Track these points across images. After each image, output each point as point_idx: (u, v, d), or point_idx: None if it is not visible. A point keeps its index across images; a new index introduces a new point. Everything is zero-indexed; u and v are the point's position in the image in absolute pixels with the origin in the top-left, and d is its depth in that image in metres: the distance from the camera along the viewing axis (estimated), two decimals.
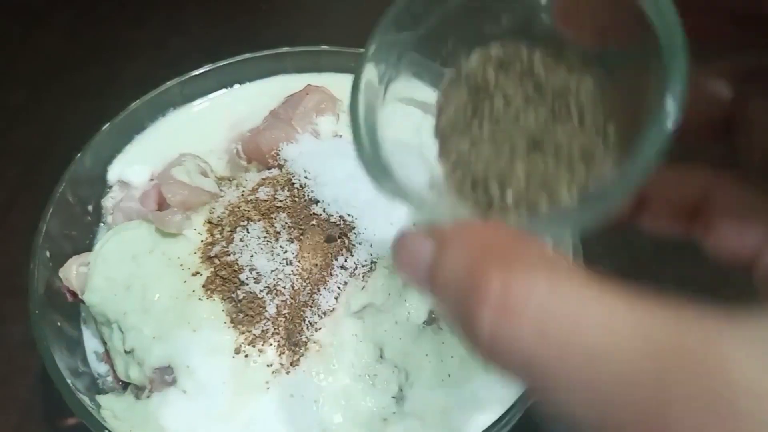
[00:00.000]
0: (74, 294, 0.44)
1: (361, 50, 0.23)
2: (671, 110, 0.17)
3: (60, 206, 0.46)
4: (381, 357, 0.41)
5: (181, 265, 0.43)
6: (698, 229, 0.22)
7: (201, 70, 0.54)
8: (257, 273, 0.42)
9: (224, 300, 0.42)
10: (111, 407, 0.41)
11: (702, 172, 0.22)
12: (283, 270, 0.42)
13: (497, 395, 0.41)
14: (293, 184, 0.45)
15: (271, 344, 0.41)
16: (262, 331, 0.41)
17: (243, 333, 0.41)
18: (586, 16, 0.21)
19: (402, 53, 0.24)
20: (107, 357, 0.44)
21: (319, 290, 0.41)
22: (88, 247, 0.48)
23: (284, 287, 0.42)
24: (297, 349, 0.41)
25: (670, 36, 0.18)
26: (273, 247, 0.42)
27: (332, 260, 0.42)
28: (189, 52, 0.57)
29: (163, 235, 0.44)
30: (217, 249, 0.43)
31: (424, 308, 0.42)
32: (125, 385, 0.43)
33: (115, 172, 0.51)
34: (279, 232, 0.43)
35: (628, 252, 0.51)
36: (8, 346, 0.52)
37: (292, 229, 0.43)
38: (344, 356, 0.40)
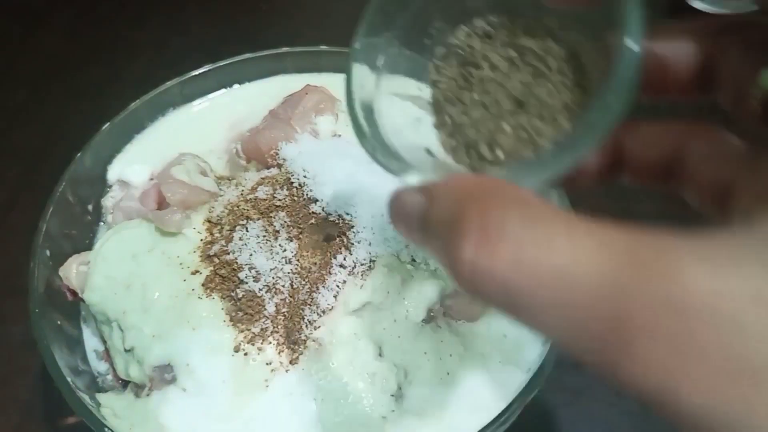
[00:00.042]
0: (74, 293, 0.44)
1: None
2: (627, 50, 0.19)
3: (60, 205, 0.46)
4: (380, 355, 0.41)
5: (181, 264, 0.43)
6: (677, 179, 0.24)
7: (201, 70, 0.55)
8: (256, 272, 0.42)
9: (223, 299, 0.42)
10: (111, 405, 0.41)
11: (676, 127, 0.24)
12: (282, 269, 0.42)
13: (496, 393, 0.41)
14: (292, 183, 0.45)
15: (270, 342, 0.41)
16: (262, 329, 0.41)
17: (242, 331, 0.41)
18: None
19: (391, 40, 0.25)
20: (107, 355, 0.44)
21: (318, 289, 0.42)
22: (88, 247, 0.48)
23: (283, 286, 0.42)
24: (296, 347, 0.41)
25: None
26: (272, 246, 0.43)
27: (331, 259, 0.42)
28: (189, 53, 0.57)
29: (163, 234, 0.44)
30: (216, 248, 0.43)
31: (423, 306, 0.42)
32: (125, 384, 0.43)
33: (115, 171, 0.51)
34: (278, 231, 0.43)
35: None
36: (8, 346, 0.52)
37: (291, 228, 0.43)
38: (343, 354, 0.41)
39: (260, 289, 0.42)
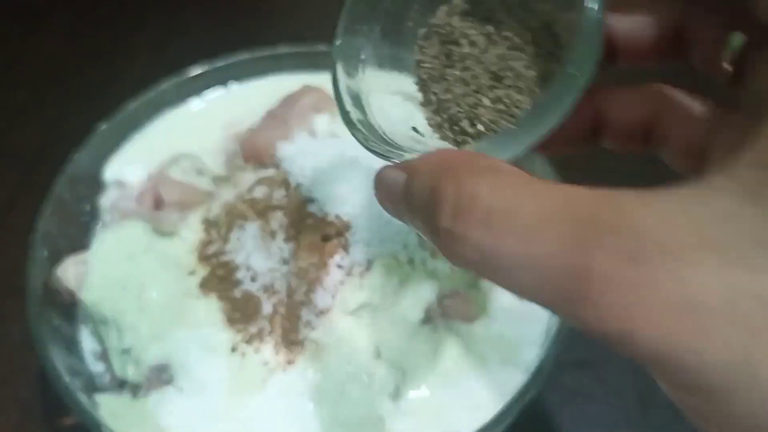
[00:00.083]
0: (71, 293, 0.44)
1: None
2: (588, 18, 0.20)
3: (57, 205, 0.46)
4: (377, 356, 0.41)
5: (178, 264, 0.43)
6: (655, 142, 0.25)
7: (198, 70, 0.55)
8: (253, 272, 0.42)
9: (221, 299, 0.42)
10: (109, 406, 0.41)
11: (652, 91, 0.25)
12: (279, 269, 0.42)
13: (493, 394, 0.41)
14: (290, 183, 0.45)
15: (267, 343, 0.41)
16: (259, 329, 0.41)
17: (240, 332, 0.41)
18: None
19: (373, 27, 0.26)
20: (105, 356, 0.44)
21: (315, 289, 0.41)
22: (85, 247, 0.48)
23: (280, 286, 0.42)
24: (293, 347, 0.41)
25: None
26: (269, 246, 0.42)
27: (328, 259, 0.42)
28: (189, 54, 0.57)
29: (160, 234, 0.44)
30: (213, 248, 0.43)
31: (421, 307, 0.42)
32: (123, 384, 0.43)
33: (111, 171, 0.51)
34: (275, 231, 0.43)
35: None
36: (8, 346, 0.52)
37: (289, 229, 0.43)
38: (341, 355, 0.40)
39: (257, 290, 0.42)
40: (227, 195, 0.46)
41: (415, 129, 0.26)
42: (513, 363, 0.42)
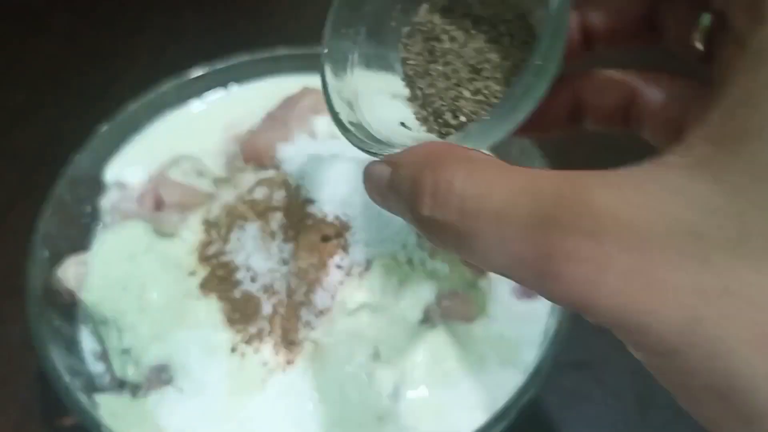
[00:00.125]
0: (72, 293, 0.44)
1: None
2: (551, 9, 0.21)
3: (57, 206, 0.46)
4: (377, 356, 0.41)
5: (178, 264, 0.43)
6: (635, 122, 0.25)
7: (198, 72, 0.55)
8: (253, 272, 0.42)
9: (221, 299, 0.42)
10: (109, 406, 0.41)
11: (629, 73, 0.25)
12: (279, 269, 0.42)
13: (492, 394, 0.41)
14: (289, 184, 0.45)
15: (267, 343, 0.41)
16: (259, 330, 0.41)
17: (239, 332, 0.41)
18: None
19: (359, 30, 0.27)
20: (105, 356, 0.44)
21: (314, 289, 0.42)
22: (86, 247, 0.48)
23: (280, 287, 0.42)
24: (293, 348, 0.41)
25: None
26: (269, 247, 0.43)
27: (328, 260, 0.42)
28: (188, 56, 0.57)
29: (160, 235, 0.44)
30: (213, 249, 0.43)
31: (420, 307, 0.42)
32: (123, 384, 0.43)
33: (112, 172, 0.51)
34: (275, 232, 0.43)
35: None
36: (8, 346, 0.52)
37: (288, 229, 0.43)
38: (340, 355, 0.41)
39: (257, 290, 0.42)
40: (227, 196, 0.46)
41: (403, 124, 0.27)
42: (512, 363, 0.42)
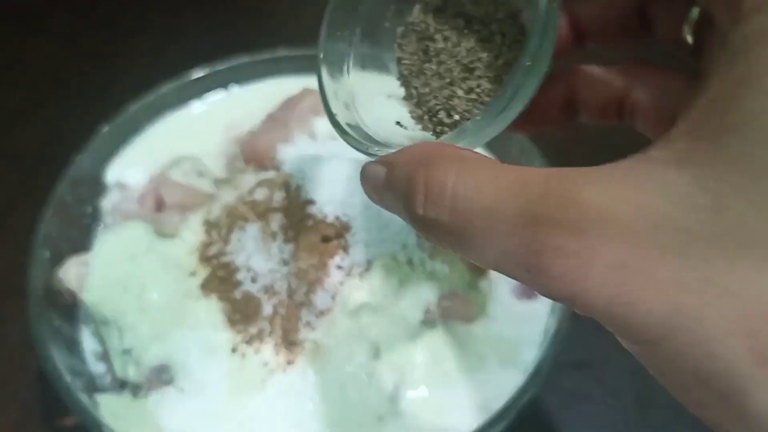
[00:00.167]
0: (73, 294, 0.44)
1: None
2: (540, 9, 0.21)
3: (58, 207, 0.46)
4: (377, 356, 0.41)
5: (179, 265, 0.43)
6: (629, 115, 0.26)
7: (199, 73, 0.55)
8: (254, 273, 0.42)
9: (221, 300, 0.42)
10: (109, 406, 0.41)
11: (622, 68, 0.26)
12: (279, 270, 0.42)
13: (492, 394, 0.41)
14: (290, 185, 0.45)
15: (267, 343, 0.41)
16: (259, 330, 0.41)
17: (240, 332, 0.41)
18: None
19: (354, 31, 0.28)
20: (105, 356, 0.44)
21: (315, 290, 0.42)
22: (87, 248, 0.48)
23: (281, 287, 0.42)
24: (293, 348, 0.41)
25: None
26: (269, 248, 0.43)
27: (328, 260, 0.42)
28: (189, 56, 0.57)
29: (161, 235, 0.44)
30: (214, 249, 0.43)
31: (420, 308, 0.42)
32: (123, 384, 0.43)
33: (113, 173, 0.51)
34: (275, 233, 0.43)
35: None
36: (8, 346, 0.52)
37: (289, 230, 0.43)
38: (340, 355, 0.41)
39: (258, 291, 0.42)
40: (228, 197, 0.46)
41: (399, 123, 0.27)
42: (512, 363, 0.42)
